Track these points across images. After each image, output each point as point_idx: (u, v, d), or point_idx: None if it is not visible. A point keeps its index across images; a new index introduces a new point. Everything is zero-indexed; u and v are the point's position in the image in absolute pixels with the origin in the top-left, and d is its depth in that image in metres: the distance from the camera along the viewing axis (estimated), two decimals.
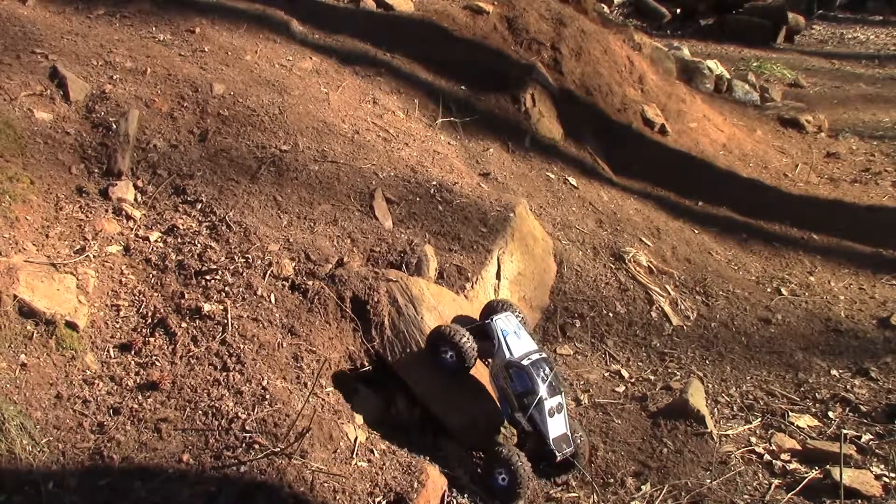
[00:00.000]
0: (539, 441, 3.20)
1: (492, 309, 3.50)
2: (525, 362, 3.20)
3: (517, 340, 3.27)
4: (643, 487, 3.33)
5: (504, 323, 3.32)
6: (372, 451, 3.04)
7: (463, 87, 5.78)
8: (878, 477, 3.38)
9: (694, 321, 4.57)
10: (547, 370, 3.23)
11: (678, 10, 11.93)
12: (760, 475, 3.43)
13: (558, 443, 3.19)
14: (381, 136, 4.71)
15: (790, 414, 3.88)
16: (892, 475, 3.41)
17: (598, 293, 4.54)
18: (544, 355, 3.29)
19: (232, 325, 3.24)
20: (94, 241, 3.50)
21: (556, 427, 3.19)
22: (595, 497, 3.29)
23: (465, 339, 3.29)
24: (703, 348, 4.38)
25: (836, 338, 4.53)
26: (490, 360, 3.37)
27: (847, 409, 3.93)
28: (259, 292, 3.41)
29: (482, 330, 3.38)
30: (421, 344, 3.42)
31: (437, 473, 3.04)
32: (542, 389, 3.16)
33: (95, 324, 3.20)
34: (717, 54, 10.14)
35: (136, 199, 3.82)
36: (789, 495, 3.29)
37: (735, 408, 3.95)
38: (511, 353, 3.23)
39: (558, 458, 3.19)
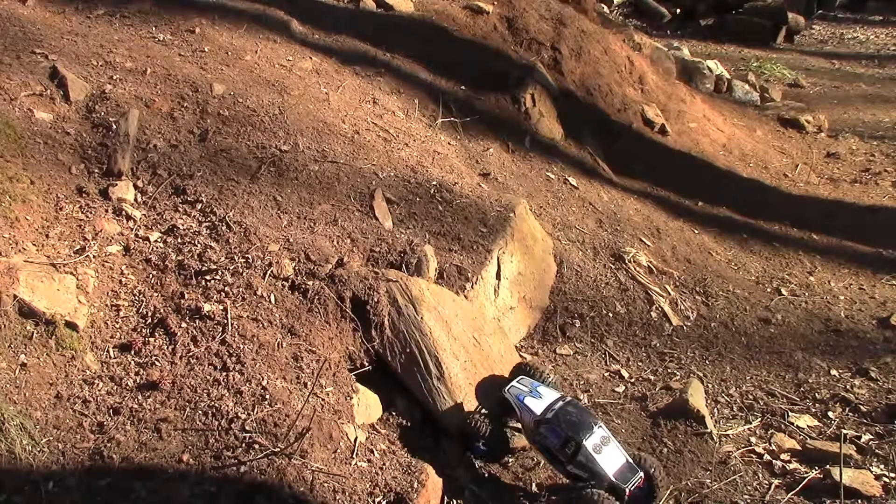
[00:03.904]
0: (602, 482, 3.04)
1: (516, 373, 3.48)
2: (550, 415, 3.14)
3: (535, 399, 3.22)
4: None
5: (517, 389, 3.29)
6: (372, 451, 3.04)
7: (463, 87, 5.78)
8: (878, 477, 3.38)
9: (694, 321, 4.57)
10: (574, 412, 3.14)
11: (678, 10, 11.92)
12: (760, 475, 3.43)
13: (621, 475, 3.04)
14: (381, 136, 4.71)
15: (790, 414, 3.88)
16: (892, 475, 3.41)
17: (598, 293, 4.54)
18: (568, 399, 3.23)
19: (232, 325, 3.24)
20: (94, 241, 3.50)
21: (611, 460, 3.07)
22: None
23: (491, 430, 3.26)
24: (703, 348, 4.38)
25: (836, 338, 4.54)
26: (521, 425, 3.33)
27: (847, 409, 3.93)
28: (259, 292, 3.41)
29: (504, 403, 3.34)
30: (421, 344, 3.42)
31: (436, 473, 3.04)
32: (577, 432, 3.07)
33: (95, 324, 3.20)
34: (717, 54, 10.15)
35: (136, 199, 3.82)
36: (789, 495, 3.29)
37: (735, 408, 3.95)
38: (533, 413, 3.18)
39: (628, 492, 3.03)
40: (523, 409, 3.21)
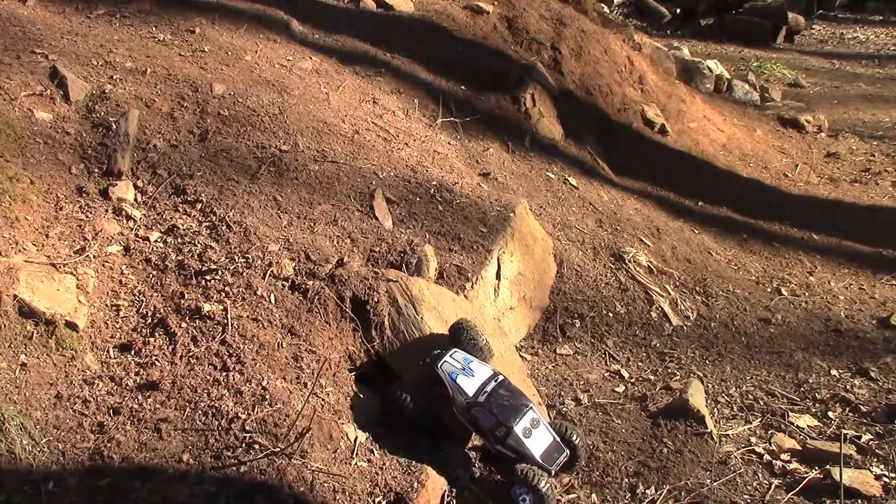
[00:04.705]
0: (530, 462, 3.11)
1: (454, 332, 3.42)
2: (482, 398, 3.12)
3: (467, 378, 3.18)
4: (643, 488, 3.33)
5: (450, 365, 3.22)
6: (372, 451, 3.04)
7: (463, 87, 5.78)
8: (878, 477, 3.38)
9: (694, 321, 4.57)
10: (506, 395, 3.14)
11: (678, 10, 11.93)
12: (760, 475, 3.43)
13: (547, 456, 3.12)
14: (381, 136, 4.71)
15: (790, 414, 3.88)
16: (892, 475, 3.41)
17: (598, 293, 4.54)
18: (500, 379, 3.20)
19: (232, 325, 3.24)
20: (94, 241, 3.50)
21: (539, 442, 3.12)
22: (595, 497, 3.29)
23: (407, 402, 3.22)
24: (703, 348, 4.38)
25: (836, 338, 4.54)
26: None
27: (847, 409, 3.93)
28: (259, 292, 3.41)
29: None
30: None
31: (436, 473, 3.04)
32: (508, 418, 3.09)
33: (95, 324, 3.20)
34: (717, 54, 10.15)
35: (136, 199, 3.82)
36: (789, 495, 3.29)
37: (735, 408, 3.95)
38: (465, 395, 3.15)
39: (553, 472, 3.13)
40: (455, 388, 3.16)
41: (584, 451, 3.31)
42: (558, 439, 3.18)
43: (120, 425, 2.86)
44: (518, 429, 3.08)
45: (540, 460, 3.10)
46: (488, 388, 3.15)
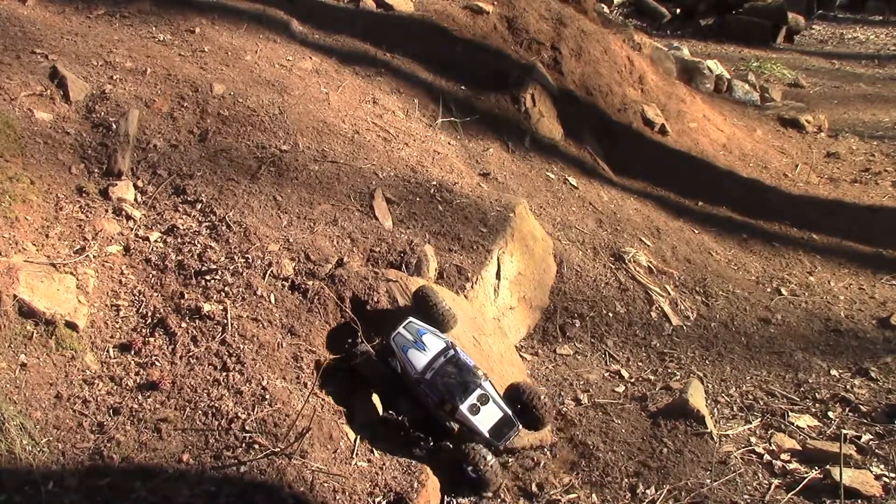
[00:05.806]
0: (478, 437, 3.12)
1: (414, 300, 3.42)
2: (429, 375, 3.12)
3: (418, 353, 3.18)
4: (643, 488, 3.33)
5: (403, 338, 3.22)
6: (372, 451, 3.04)
7: (463, 87, 5.78)
8: (878, 477, 3.38)
9: (694, 321, 4.57)
10: (454, 372, 3.13)
11: (678, 10, 11.93)
12: (760, 475, 3.43)
13: (496, 431, 3.11)
14: (381, 136, 4.71)
15: (790, 414, 3.88)
16: (892, 475, 3.40)
17: (598, 293, 4.54)
18: (451, 353, 3.18)
19: (232, 325, 3.24)
20: (94, 241, 3.50)
21: (488, 418, 3.11)
22: (595, 497, 3.29)
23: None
24: (703, 348, 4.38)
25: (836, 338, 4.54)
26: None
27: (847, 409, 3.93)
28: (259, 292, 3.41)
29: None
30: None
31: (436, 473, 3.04)
32: (454, 395, 3.09)
33: (95, 324, 3.20)
34: (717, 54, 10.15)
35: (136, 199, 3.82)
36: (789, 495, 3.29)
37: (735, 408, 3.95)
38: (415, 369, 3.15)
39: (502, 447, 3.15)
40: (406, 363, 3.16)
41: (548, 413, 3.26)
42: (510, 413, 3.15)
43: (120, 425, 2.86)
44: (464, 406, 3.09)
45: (488, 436, 3.11)
46: (436, 365, 3.14)
